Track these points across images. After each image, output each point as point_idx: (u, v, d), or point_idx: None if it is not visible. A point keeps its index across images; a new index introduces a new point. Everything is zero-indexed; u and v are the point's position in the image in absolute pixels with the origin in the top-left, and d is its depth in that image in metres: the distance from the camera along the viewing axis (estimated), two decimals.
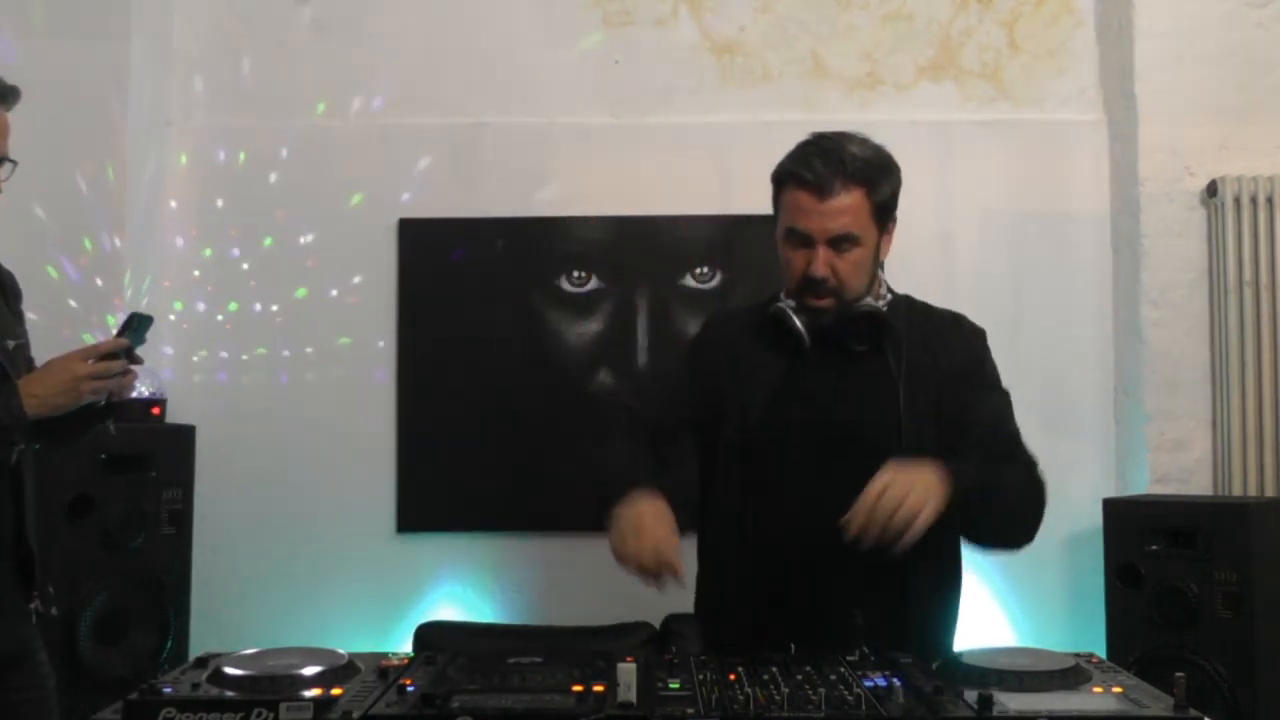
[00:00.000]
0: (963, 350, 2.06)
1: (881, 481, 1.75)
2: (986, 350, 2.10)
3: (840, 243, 1.95)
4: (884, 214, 2.00)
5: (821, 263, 1.95)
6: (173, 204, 3.65)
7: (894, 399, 1.97)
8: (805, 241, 1.96)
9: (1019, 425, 2.05)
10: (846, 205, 1.94)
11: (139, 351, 2.17)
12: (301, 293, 3.64)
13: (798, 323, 1.99)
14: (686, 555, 2.09)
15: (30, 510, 2.19)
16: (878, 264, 2.03)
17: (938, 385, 2.00)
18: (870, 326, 1.99)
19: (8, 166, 2.17)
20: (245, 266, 3.64)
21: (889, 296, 2.07)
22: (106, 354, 2.09)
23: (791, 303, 2.01)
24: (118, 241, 3.38)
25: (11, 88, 2.17)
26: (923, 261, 3.53)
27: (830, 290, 1.97)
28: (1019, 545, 1.98)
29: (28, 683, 2.14)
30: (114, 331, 2.28)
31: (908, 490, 1.73)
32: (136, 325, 2.16)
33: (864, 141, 2.00)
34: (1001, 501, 1.91)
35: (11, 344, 2.24)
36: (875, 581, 1.89)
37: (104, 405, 2.14)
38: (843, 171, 1.93)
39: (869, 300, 2.01)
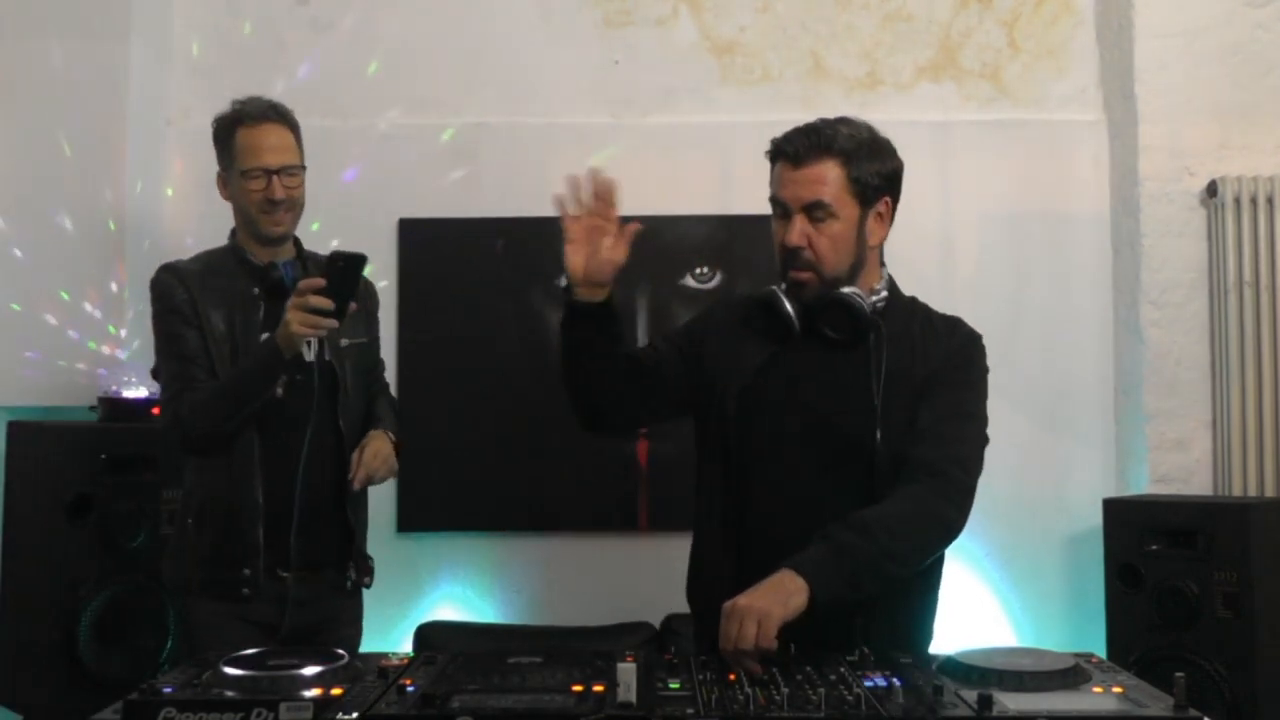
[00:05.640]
0: (946, 352, 2.03)
1: (724, 614, 1.74)
2: (975, 353, 2.07)
3: (814, 210, 1.96)
4: (866, 192, 1.99)
5: (796, 232, 1.97)
6: (172, 205, 3.64)
7: (869, 395, 1.96)
8: (784, 212, 2.00)
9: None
10: (819, 174, 1.96)
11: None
12: None
13: (787, 304, 2.00)
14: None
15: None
16: (863, 245, 2.01)
17: (916, 388, 1.98)
18: (844, 314, 1.99)
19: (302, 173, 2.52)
20: None
21: (885, 293, 2.06)
22: (307, 291, 2.19)
23: (782, 285, 2.03)
24: (117, 241, 3.38)
25: (288, 111, 2.59)
26: (923, 261, 3.54)
27: (807, 263, 1.98)
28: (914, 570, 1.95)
29: None
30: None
31: (742, 619, 1.71)
32: (342, 267, 2.20)
33: (860, 125, 2.02)
34: (880, 565, 1.85)
35: (345, 342, 2.44)
36: None
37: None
38: (819, 143, 1.97)
39: (854, 288, 2.00)
